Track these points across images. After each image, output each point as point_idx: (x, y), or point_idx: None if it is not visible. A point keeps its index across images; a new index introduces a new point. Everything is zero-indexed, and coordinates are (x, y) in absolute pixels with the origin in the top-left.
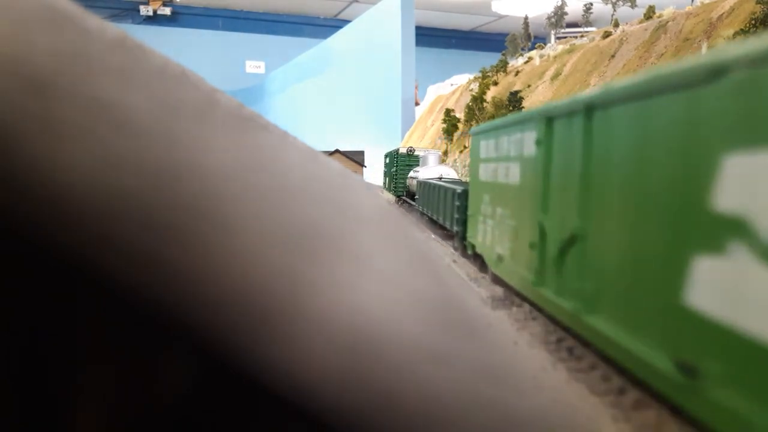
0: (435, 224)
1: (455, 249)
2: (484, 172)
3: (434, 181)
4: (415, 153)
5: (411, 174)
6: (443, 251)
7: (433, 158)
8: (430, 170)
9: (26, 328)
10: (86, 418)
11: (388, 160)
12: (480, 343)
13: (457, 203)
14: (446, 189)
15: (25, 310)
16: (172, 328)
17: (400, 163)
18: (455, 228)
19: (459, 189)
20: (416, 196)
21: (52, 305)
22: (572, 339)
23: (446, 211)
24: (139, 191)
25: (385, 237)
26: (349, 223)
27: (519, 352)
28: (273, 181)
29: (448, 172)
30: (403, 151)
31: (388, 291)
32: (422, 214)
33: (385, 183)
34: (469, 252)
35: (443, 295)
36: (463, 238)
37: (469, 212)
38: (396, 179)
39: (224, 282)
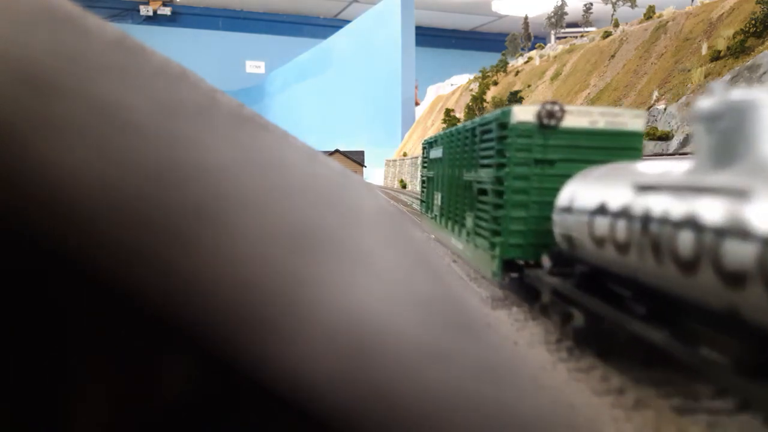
0: None
1: None
2: None
3: None
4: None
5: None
6: (443, 251)
7: None
8: None
9: (26, 327)
10: (86, 418)
11: (438, 153)
12: (479, 342)
13: None
14: None
15: (25, 309)
16: (172, 328)
17: (515, 159)
18: None
19: None
20: None
21: (52, 305)
22: (572, 339)
23: None
24: (139, 190)
25: (385, 237)
26: (349, 222)
27: (519, 352)
28: (273, 181)
29: None
30: (525, 117)
31: (387, 290)
32: None
33: (425, 204)
34: None
35: (443, 295)
36: None
37: None
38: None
39: (225, 281)
